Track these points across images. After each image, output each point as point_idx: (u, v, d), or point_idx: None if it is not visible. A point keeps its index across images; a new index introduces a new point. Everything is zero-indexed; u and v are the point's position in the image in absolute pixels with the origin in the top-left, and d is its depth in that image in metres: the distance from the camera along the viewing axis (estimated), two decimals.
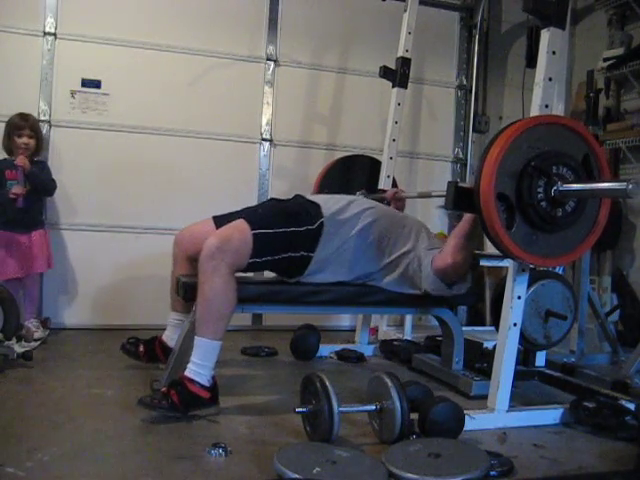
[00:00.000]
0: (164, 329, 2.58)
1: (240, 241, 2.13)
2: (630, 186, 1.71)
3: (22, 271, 3.08)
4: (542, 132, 1.95)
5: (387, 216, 2.48)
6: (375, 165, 3.52)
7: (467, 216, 2.27)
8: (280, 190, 3.86)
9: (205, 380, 2.03)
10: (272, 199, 2.68)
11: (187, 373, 2.03)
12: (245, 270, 2.19)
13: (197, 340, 2.06)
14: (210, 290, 2.04)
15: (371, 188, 3.40)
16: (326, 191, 3.24)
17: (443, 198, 2.36)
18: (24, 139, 3.06)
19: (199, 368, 2.03)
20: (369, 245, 2.39)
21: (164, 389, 1.99)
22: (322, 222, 2.31)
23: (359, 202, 2.47)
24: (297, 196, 2.53)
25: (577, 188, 1.92)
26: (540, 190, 1.92)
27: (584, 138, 2.03)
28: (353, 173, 3.47)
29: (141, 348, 2.57)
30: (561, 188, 1.91)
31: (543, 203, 1.92)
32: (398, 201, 3.05)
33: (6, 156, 3.04)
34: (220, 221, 2.34)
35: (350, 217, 2.37)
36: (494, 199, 1.87)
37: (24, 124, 3.08)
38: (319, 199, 2.44)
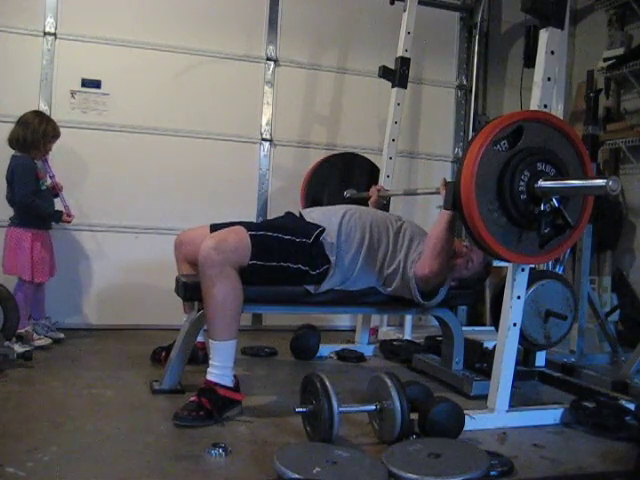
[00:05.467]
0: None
1: (237, 241, 2.12)
2: (610, 182, 1.70)
3: (51, 273, 3.10)
4: (525, 128, 1.94)
5: (379, 225, 2.45)
6: (362, 162, 3.53)
7: (442, 217, 2.24)
8: (280, 190, 3.87)
9: (229, 381, 2.05)
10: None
11: (212, 378, 2.03)
12: (248, 275, 2.13)
13: (214, 344, 2.05)
14: (219, 294, 2.02)
15: (359, 186, 3.44)
16: (314, 193, 3.37)
17: (440, 197, 2.37)
18: (52, 145, 3.09)
19: (221, 370, 2.04)
20: (368, 259, 2.39)
21: (194, 398, 1.99)
22: (320, 239, 2.30)
23: (351, 212, 2.45)
24: (289, 213, 2.56)
25: (558, 185, 1.90)
26: (521, 186, 1.91)
27: (567, 135, 2.02)
28: (341, 172, 3.49)
29: (163, 354, 2.64)
30: (542, 184, 1.90)
31: (524, 199, 1.91)
32: (379, 199, 3.13)
33: (14, 151, 3.01)
34: (217, 228, 2.32)
35: (347, 232, 2.36)
36: (475, 195, 1.87)
37: (58, 132, 3.09)
38: (314, 217, 2.44)
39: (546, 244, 2.00)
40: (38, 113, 3.13)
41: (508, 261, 2.03)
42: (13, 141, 2.99)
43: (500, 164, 1.92)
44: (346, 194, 3.43)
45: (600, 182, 1.75)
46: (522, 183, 1.91)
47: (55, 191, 3.10)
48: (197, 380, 2.25)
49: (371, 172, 3.50)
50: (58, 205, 3.13)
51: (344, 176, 3.48)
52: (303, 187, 3.45)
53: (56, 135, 3.08)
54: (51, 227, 3.15)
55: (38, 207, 2.98)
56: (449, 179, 2.47)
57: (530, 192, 1.92)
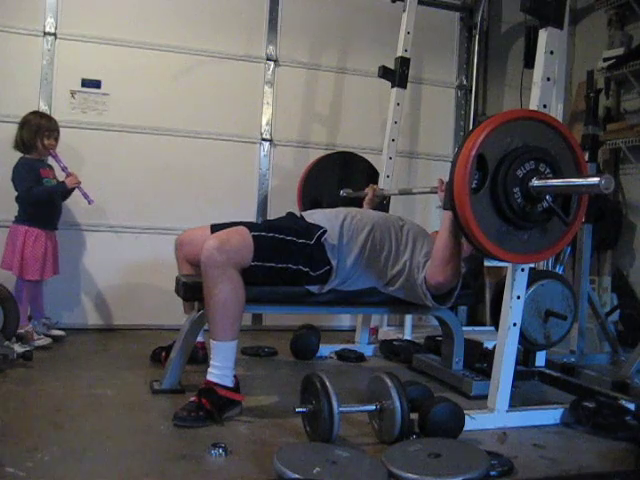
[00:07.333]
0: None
1: (239, 242, 2.12)
2: (603, 181, 1.71)
3: (52, 272, 3.10)
4: (518, 127, 1.93)
5: (381, 227, 2.44)
6: (358, 161, 3.54)
7: (444, 221, 2.21)
8: (280, 190, 3.87)
9: (229, 382, 2.04)
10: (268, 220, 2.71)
11: (212, 378, 2.03)
12: (250, 275, 2.13)
13: (215, 344, 2.05)
14: (221, 294, 2.02)
15: (355, 185, 3.43)
16: (310, 192, 3.39)
17: (439, 196, 2.36)
18: (52, 140, 3.06)
19: (222, 371, 2.03)
20: (370, 261, 2.39)
21: (194, 398, 1.99)
22: (321, 240, 2.30)
23: (352, 215, 2.45)
24: (290, 214, 2.56)
25: (551, 184, 1.90)
26: (515, 185, 1.90)
27: (561, 133, 2.00)
28: (336, 171, 3.48)
29: (163, 354, 2.63)
30: (535, 184, 1.90)
31: (518, 199, 1.91)
32: (374, 198, 3.12)
33: (19, 153, 3.04)
34: (218, 229, 2.32)
35: (349, 235, 2.36)
36: (468, 195, 1.86)
37: (55, 126, 3.08)
38: (316, 218, 2.43)
39: (569, 217, 1.98)
40: (35, 112, 3.16)
41: (509, 262, 2.03)
42: (15, 144, 3.04)
43: (493, 163, 1.89)
44: (342, 193, 3.43)
45: (593, 181, 1.75)
46: (515, 184, 1.89)
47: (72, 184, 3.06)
48: (197, 380, 2.25)
49: (367, 171, 3.50)
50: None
51: (340, 175, 3.47)
52: (299, 187, 3.45)
53: (52, 129, 3.06)
54: (56, 227, 3.15)
55: (38, 193, 3.00)
56: (448, 180, 2.46)
57: (524, 193, 1.91)
